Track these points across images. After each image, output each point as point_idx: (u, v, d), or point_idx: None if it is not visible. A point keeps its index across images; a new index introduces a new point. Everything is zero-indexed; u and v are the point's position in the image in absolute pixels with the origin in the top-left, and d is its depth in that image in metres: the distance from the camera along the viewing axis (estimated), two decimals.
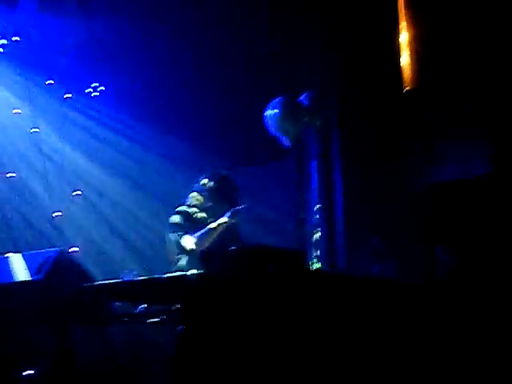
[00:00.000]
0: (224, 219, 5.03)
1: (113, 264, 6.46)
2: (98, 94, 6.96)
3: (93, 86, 6.98)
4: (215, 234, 5.00)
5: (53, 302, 4.15)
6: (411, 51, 6.88)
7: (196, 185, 5.35)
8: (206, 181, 5.28)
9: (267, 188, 7.07)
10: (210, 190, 5.23)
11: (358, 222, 6.56)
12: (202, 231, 5.02)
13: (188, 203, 5.26)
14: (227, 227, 5.04)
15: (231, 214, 5.04)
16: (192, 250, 4.96)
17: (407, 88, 6.86)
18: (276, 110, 6.40)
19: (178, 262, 5.03)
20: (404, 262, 5.87)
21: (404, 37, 6.91)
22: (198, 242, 4.97)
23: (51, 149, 6.68)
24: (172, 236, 5.10)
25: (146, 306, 4.25)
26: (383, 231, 6.15)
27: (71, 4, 6.54)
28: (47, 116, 6.73)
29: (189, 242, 4.99)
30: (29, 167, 6.67)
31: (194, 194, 5.30)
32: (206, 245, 4.96)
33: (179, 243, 5.03)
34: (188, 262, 4.95)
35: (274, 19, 6.79)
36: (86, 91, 6.96)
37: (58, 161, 6.66)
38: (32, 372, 4.69)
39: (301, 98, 6.63)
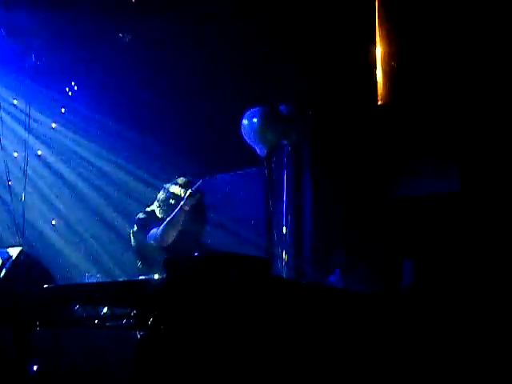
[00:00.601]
0: (182, 203, 4.93)
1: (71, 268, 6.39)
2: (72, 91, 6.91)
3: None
4: (178, 224, 4.89)
5: (12, 303, 4.08)
6: (385, 66, 6.94)
7: (163, 190, 5.25)
8: (176, 188, 5.17)
9: (238, 195, 7.05)
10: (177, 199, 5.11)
11: (326, 233, 6.56)
12: (166, 221, 4.92)
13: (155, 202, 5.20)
14: (190, 209, 4.95)
15: (187, 197, 4.94)
16: (160, 242, 4.88)
17: (380, 102, 6.92)
18: (255, 119, 6.41)
19: (143, 264, 4.97)
20: (371, 273, 5.88)
21: (379, 52, 6.97)
22: (163, 235, 4.88)
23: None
24: (137, 234, 5.01)
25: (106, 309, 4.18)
26: (352, 243, 6.16)
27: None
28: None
29: (151, 238, 4.92)
30: None
31: (161, 194, 5.21)
32: (172, 235, 4.87)
33: (144, 240, 4.94)
34: (151, 264, 4.89)
35: (254, 31, 6.79)
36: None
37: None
38: None
39: (281, 108, 6.67)
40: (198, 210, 5.06)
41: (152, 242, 4.90)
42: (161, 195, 5.20)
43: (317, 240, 6.65)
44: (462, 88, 6.22)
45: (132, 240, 5.06)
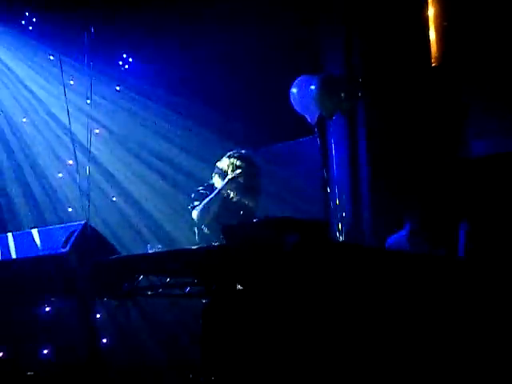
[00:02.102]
0: (221, 184, 5.00)
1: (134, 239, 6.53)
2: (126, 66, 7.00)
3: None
4: (215, 205, 4.96)
5: (78, 276, 4.18)
6: (438, 26, 6.81)
7: (216, 169, 5.29)
8: (225, 164, 5.20)
9: (291, 165, 7.06)
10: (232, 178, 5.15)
11: (383, 196, 6.53)
12: (204, 201, 5.00)
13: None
14: (235, 189, 5.01)
15: (227, 181, 5.00)
16: (198, 219, 4.97)
17: (435, 63, 6.80)
18: (313, 86, 6.34)
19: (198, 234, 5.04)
20: (432, 237, 5.83)
21: (431, 12, 6.85)
22: (203, 210, 4.96)
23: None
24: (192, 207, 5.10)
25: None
26: (411, 209, 6.10)
27: None
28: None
29: (194, 214, 5.01)
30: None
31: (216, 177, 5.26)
32: (212, 211, 4.94)
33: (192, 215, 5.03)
34: (208, 234, 4.95)
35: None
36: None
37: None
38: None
39: (335, 74, 6.62)
40: (249, 187, 5.11)
41: (195, 217, 5.00)
42: (216, 169, 5.26)
43: (374, 203, 6.63)
44: None
45: (192, 213, 5.14)
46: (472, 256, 5.37)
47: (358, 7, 6.87)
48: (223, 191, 5.01)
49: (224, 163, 5.23)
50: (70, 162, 6.40)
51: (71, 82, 6.53)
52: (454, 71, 6.57)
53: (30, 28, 6.65)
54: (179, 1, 6.81)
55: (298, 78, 6.50)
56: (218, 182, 5.19)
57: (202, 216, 4.98)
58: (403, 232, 6.01)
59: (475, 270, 4.29)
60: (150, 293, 4.43)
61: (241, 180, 5.04)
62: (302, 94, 6.44)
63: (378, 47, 6.84)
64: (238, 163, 5.15)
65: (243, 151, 5.34)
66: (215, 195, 5.01)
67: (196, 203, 5.09)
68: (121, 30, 6.74)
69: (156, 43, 6.97)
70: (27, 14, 6.60)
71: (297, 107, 6.50)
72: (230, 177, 5.03)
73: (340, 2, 6.94)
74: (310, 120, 6.54)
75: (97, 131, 6.82)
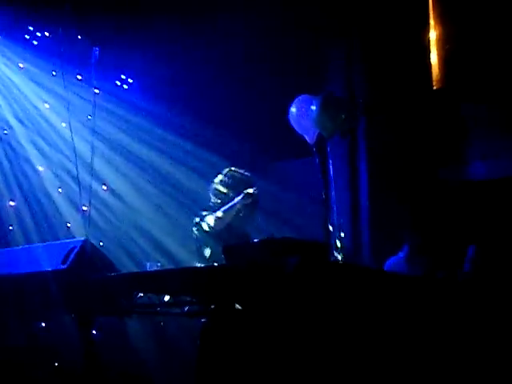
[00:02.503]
0: (238, 198, 4.98)
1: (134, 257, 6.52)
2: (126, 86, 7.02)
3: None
4: (231, 213, 4.95)
5: (77, 293, 4.17)
6: (439, 49, 6.86)
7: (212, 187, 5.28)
8: (221, 188, 5.20)
9: (292, 185, 7.07)
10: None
11: (384, 217, 6.53)
12: (223, 208, 4.99)
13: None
14: (245, 206, 5.00)
15: (244, 196, 4.99)
16: (211, 227, 4.93)
17: (436, 86, 6.84)
18: (313, 106, 6.32)
19: (202, 253, 5.02)
20: (433, 258, 5.83)
21: (433, 35, 6.89)
22: (218, 218, 4.94)
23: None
24: (195, 221, 5.07)
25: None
26: (409, 229, 6.11)
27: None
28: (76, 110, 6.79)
29: (210, 219, 4.97)
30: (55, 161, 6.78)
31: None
32: (226, 221, 4.92)
33: (200, 225, 4.99)
34: (211, 254, 4.94)
35: (300, 15, 6.77)
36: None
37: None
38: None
39: (336, 94, 6.61)
40: (250, 207, 5.11)
41: (206, 225, 4.96)
42: (212, 189, 5.25)
43: (374, 224, 6.63)
44: None
45: (194, 231, 5.10)
46: (477, 278, 5.38)
47: (360, 28, 6.91)
48: (238, 205, 4.97)
49: (218, 180, 5.23)
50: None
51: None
52: (455, 94, 6.61)
53: (35, 43, 6.66)
54: (177, 14, 6.83)
55: (298, 98, 6.48)
56: (215, 199, 5.17)
57: (217, 223, 4.94)
58: (402, 254, 6.01)
59: (475, 292, 4.30)
60: (148, 311, 4.42)
61: (248, 201, 5.02)
62: (301, 113, 6.40)
63: (379, 69, 6.87)
64: (231, 181, 5.15)
65: (241, 170, 5.33)
66: (232, 206, 4.96)
67: (205, 213, 5.06)
68: (121, 50, 6.76)
69: (156, 61, 7.00)
70: (31, 28, 6.63)
71: (295, 127, 6.47)
72: (248, 191, 4.99)
73: (343, 23, 6.98)
74: (308, 140, 6.52)
75: (104, 187, 6.85)
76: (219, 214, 4.92)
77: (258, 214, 5.14)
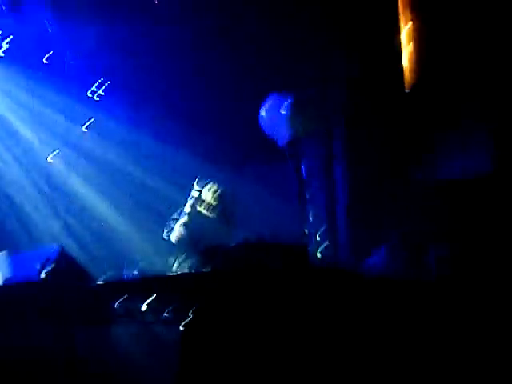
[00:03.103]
0: (187, 207, 4.94)
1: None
2: (101, 94, 6.96)
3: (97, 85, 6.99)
4: (183, 225, 4.91)
5: (53, 303, 4.13)
6: (411, 50, 6.90)
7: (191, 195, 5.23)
8: (205, 195, 5.16)
9: (271, 186, 7.05)
10: (208, 205, 5.11)
11: (359, 216, 6.55)
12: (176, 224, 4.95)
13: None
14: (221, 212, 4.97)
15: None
16: (179, 237, 4.91)
17: (409, 87, 6.88)
18: (283, 107, 6.29)
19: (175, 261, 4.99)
20: (407, 257, 5.86)
21: (404, 36, 6.93)
22: (174, 230, 4.91)
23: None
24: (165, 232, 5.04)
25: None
26: (387, 229, 6.14)
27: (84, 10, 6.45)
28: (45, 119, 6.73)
29: (176, 229, 4.94)
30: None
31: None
32: (181, 237, 4.90)
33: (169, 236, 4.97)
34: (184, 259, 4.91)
35: (274, 17, 6.78)
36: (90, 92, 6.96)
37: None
38: None
39: (306, 94, 6.58)
40: (224, 216, 5.08)
41: (173, 240, 4.95)
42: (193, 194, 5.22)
43: (351, 223, 6.65)
44: (492, 68, 6.17)
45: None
46: (442, 279, 5.42)
47: (333, 33, 6.91)
48: (192, 208, 4.92)
49: (196, 192, 5.19)
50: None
51: None
52: (427, 94, 6.65)
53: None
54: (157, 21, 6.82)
55: (268, 99, 6.45)
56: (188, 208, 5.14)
57: (175, 235, 4.91)
58: (380, 253, 6.04)
59: (445, 293, 4.32)
60: (126, 319, 4.38)
61: (212, 203, 4.98)
62: (271, 115, 6.38)
63: (353, 67, 6.88)
64: (210, 194, 5.11)
65: (215, 184, 5.28)
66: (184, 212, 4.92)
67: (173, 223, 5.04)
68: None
69: (135, 64, 6.95)
70: None
71: (266, 130, 6.43)
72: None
73: (316, 22, 6.98)
74: (280, 143, 6.48)
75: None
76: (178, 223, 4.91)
77: (233, 227, 5.10)
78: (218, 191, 5.14)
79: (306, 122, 6.37)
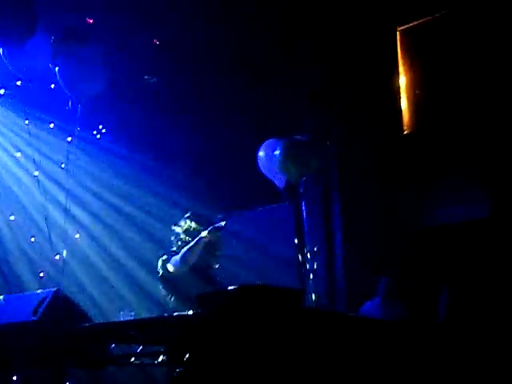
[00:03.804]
0: (204, 233, 4.90)
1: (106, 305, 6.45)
2: (101, 133, 7.02)
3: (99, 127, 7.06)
4: (197, 250, 4.85)
5: (49, 344, 4.09)
6: (409, 95, 6.97)
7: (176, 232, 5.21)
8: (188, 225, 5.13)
9: (263, 231, 7.04)
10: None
11: (357, 262, 6.54)
12: (184, 250, 4.89)
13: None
14: (208, 243, 4.91)
15: (211, 230, 4.90)
16: (179, 266, 4.85)
17: (406, 131, 6.93)
18: (277, 151, 6.32)
19: (169, 301, 4.95)
20: (407, 301, 5.86)
21: (402, 81, 7.01)
22: (182, 259, 4.86)
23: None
24: (162, 265, 4.97)
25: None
26: (383, 272, 6.13)
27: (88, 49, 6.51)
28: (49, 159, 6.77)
29: (170, 266, 4.89)
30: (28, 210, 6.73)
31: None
32: (190, 263, 4.84)
33: (165, 268, 4.90)
34: (176, 300, 4.86)
35: (271, 60, 6.85)
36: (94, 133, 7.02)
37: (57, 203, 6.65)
38: None
39: (300, 138, 6.60)
40: (213, 245, 5.03)
41: (173, 266, 4.87)
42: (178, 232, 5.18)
43: (348, 270, 6.63)
44: (489, 114, 6.23)
45: (160, 270, 5.01)
46: (451, 320, 5.40)
47: (333, 76, 6.99)
48: (205, 238, 4.87)
49: (182, 226, 5.16)
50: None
51: None
52: (425, 139, 6.70)
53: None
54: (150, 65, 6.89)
55: (265, 142, 6.48)
56: (176, 245, 5.11)
57: (183, 261, 4.84)
58: (377, 298, 6.03)
59: (449, 334, 4.31)
60: (121, 361, 4.35)
61: (215, 237, 4.94)
62: (268, 158, 6.41)
63: (352, 113, 6.95)
64: (194, 225, 5.08)
65: (201, 214, 5.25)
66: (198, 241, 4.86)
67: (165, 257, 4.99)
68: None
69: (131, 107, 7.01)
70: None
71: (264, 171, 6.45)
72: (216, 225, 4.90)
73: (316, 71, 7.06)
74: (277, 184, 6.48)
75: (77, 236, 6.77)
76: (181, 255, 4.85)
77: (220, 256, 5.07)
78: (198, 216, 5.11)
79: (297, 165, 6.38)
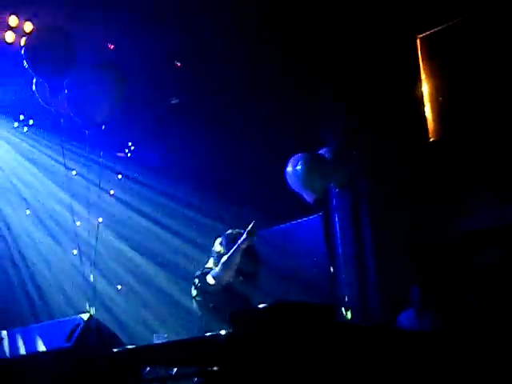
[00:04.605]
0: (241, 240, 4.86)
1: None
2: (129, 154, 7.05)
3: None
4: (235, 262, 4.83)
5: (84, 370, 4.10)
6: (433, 102, 6.92)
7: (213, 250, 5.19)
8: (219, 248, 5.10)
9: (294, 246, 7.02)
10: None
11: (390, 273, 6.47)
12: (224, 258, 4.87)
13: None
14: (245, 250, 4.88)
15: (246, 235, 4.87)
16: (218, 280, 4.82)
17: (432, 139, 6.88)
18: (299, 166, 6.33)
19: (203, 320, 4.93)
20: (440, 310, 5.78)
21: (425, 89, 6.97)
22: (224, 267, 4.83)
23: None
24: (198, 282, 4.94)
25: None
26: (415, 281, 6.06)
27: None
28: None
29: (210, 277, 4.86)
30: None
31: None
32: (232, 271, 4.81)
33: (203, 285, 4.87)
34: (212, 319, 4.84)
35: (294, 74, 6.86)
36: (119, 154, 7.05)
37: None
38: None
39: (323, 152, 6.60)
40: (250, 254, 5.01)
41: (211, 281, 4.84)
42: (214, 249, 5.17)
43: (381, 281, 6.56)
44: None
45: (193, 291, 5.00)
46: (481, 325, 5.33)
47: (356, 86, 6.97)
48: (243, 245, 4.85)
49: (217, 243, 5.15)
50: (74, 251, 6.38)
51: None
52: (451, 145, 6.64)
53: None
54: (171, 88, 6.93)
55: (293, 157, 6.49)
56: (212, 263, 5.09)
57: (221, 275, 4.81)
58: (412, 309, 5.97)
59: (480, 344, 4.25)
60: None
61: (251, 241, 4.90)
62: (293, 173, 6.42)
63: (377, 123, 6.91)
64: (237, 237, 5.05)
65: (236, 230, 5.24)
66: (235, 250, 4.84)
67: (196, 280, 4.96)
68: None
69: (156, 134, 7.06)
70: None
71: (293, 186, 6.45)
72: (246, 231, 4.88)
73: (339, 83, 7.05)
74: (307, 199, 6.47)
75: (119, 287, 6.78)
76: (224, 259, 4.82)
77: (259, 278, 5.04)
78: (237, 232, 5.08)
79: (320, 179, 6.36)
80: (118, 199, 7.18)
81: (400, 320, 5.94)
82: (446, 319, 5.63)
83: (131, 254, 7.13)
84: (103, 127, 5.28)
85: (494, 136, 6.30)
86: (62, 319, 4.45)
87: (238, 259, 4.81)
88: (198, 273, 4.99)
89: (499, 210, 6.18)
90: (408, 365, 3.78)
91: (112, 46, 6.07)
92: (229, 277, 4.82)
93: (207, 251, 5.25)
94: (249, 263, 4.95)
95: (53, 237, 6.82)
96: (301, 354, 3.46)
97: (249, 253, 4.93)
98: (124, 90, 5.28)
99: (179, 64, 6.64)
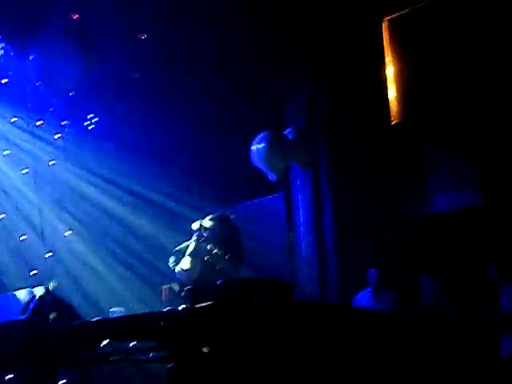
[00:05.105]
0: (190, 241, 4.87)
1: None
2: (93, 126, 6.97)
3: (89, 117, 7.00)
4: (195, 251, 4.81)
5: (39, 342, 4.07)
6: (397, 85, 6.96)
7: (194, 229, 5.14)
8: (207, 223, 5.06)
9: (257, 223, 7.03)
10: (211, 232, 5.00)
11: (349, 253, 6.54)
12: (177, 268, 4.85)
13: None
14: (223, 237, 4.87)
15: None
16: (185, 277, 4.79)
17: (394, 121, 6.92)
18: (262, 145, 6.37)
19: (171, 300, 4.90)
20: (396, 290, 5.85)
21: (390, 71, 7.00)
22: (183, 265, 4.81)
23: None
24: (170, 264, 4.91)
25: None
26: (374, 261, 6.13)
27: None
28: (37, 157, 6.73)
29: (185, 261, 4.82)
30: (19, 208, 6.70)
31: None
32: (195, 266, 4.79)
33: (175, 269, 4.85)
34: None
35: (259, 53, 6.84)
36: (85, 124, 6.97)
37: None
38: None
39: (286, 132, 6.62)
40: (228, 244, 4.97)
41: (180, 278, 4.83)
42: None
43: (340, 260, 6.62)
44: (477, 101, 6.22)
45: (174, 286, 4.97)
46: (436, 308, 5.40)
47: (321, 67, 6.98)
48: (195, 241, 4.83)
49: (196, 225, 5.11)
50: None
51: None
52: (413, 128, 6.69)
53: None
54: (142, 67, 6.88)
55: (258, 135, 6.51)
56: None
57: (186, 271, 4.79)
58: (369, 288, 6.03)
59: (436, 323, 4.31)
60: (113, 358, 4.31)
61: (215, 231, 4.87)
62: (256, 151, 6.45)
63: (340, 104, 6.94)
64: (210, 224, 5.01)
65: (217, 213, 5.20)
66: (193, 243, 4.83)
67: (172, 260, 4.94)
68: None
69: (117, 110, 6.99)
70: None
71: (256, 164, 6.47)
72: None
73: (303, 60, 7.05)
74: (270, 177, 6.51)
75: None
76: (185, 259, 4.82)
77: (242, 268, 5.01)
78: (215, 216, 5.04)
79: (280, 159, 6.41)
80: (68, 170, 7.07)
81: (357, 299, 6.00)
82: (401, 299, 5.70)
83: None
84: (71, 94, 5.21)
85: (454, 120, 6.36)
86: (17, 291, 4.40)
87: (196, 251, 4.79)
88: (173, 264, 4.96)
89: (463, 192, 6.27)
90: (363, 342, 3.82)
91: (76, 16, 5.98)
92: (194, 270, 4.80)
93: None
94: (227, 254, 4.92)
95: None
96: (255, 331, 3.48)
97: (226, 239, 4.90)
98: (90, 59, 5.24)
99: (143, 36, 6.58)
